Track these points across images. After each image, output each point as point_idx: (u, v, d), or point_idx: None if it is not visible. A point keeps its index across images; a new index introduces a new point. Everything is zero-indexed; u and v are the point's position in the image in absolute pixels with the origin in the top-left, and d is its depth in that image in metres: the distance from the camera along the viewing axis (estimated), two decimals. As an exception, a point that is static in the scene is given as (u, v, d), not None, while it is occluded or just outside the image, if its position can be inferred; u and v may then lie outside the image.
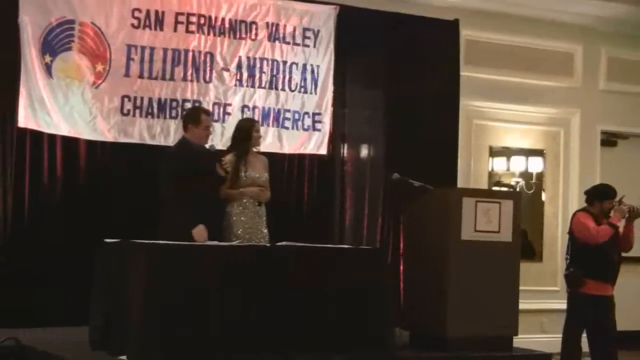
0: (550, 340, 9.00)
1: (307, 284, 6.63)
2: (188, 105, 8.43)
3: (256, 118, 8.59)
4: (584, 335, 7.97)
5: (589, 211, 7.96)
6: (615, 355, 7.91)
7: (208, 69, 8.56)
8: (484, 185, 10.19)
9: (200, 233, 7.10)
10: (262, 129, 8.36)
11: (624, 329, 8.57)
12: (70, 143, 8.15)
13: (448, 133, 9.70)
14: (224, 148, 7.95)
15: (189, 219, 7.10)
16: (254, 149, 7.70)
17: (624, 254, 8.04)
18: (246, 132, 7.66)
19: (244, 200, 7.54)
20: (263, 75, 8.77)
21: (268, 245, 7.10)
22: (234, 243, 7.12)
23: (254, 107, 8.74)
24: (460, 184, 9.69)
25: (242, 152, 7.61)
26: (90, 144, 8.21)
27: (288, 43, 8.86)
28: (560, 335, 8.02)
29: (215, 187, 7.42)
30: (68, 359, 6.14)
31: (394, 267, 8.81)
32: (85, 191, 8.22)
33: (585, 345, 7.94)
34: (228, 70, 8.64)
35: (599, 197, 7.98)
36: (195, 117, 7.39)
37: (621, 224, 7.90)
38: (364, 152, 9.44)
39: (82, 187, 8.22)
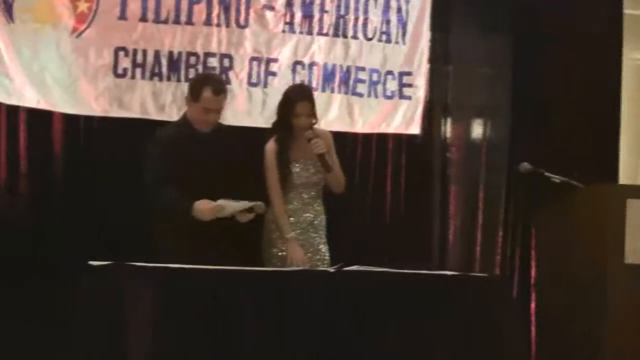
0: None
1: (390, 330, 6.48)
2: (213, 62, 8.28)
3: (314, 81, 8.47)
4: None
5: None
6: None
7: (243, 8, 8.35)
8: (659, 181, 9.96)
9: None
10: (323, 97, 8.35)
11: None
12: (39, 118, 8.02)
13: (605, 101, 9.44)
14: (267, 125, 7.86)
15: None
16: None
17: None
18: (291, 107, 7.50)
19: (292, 204, 7.51)
20: (325, 15, 8.55)
21: (331, 270, 6.78)
22: (280, 269, 7.11)
23: (312, 64, 8.52)
24: (624, 179, 9.53)
25: (285, 137, 7.49)
26: (70, 120, 8.09)
27: (362, -32, 8.70)
28: None
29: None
30: None
31: (523, 303, 8.96)
32: (62, 189, 8.12)
33: None
34: (273, 9, 8.43)
35: None
36: (195, 91, 7.24)
37: None
38: (478, 130, 9.34)
39: (56, 183, 8.12)
